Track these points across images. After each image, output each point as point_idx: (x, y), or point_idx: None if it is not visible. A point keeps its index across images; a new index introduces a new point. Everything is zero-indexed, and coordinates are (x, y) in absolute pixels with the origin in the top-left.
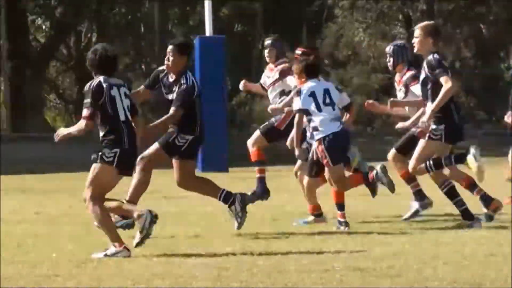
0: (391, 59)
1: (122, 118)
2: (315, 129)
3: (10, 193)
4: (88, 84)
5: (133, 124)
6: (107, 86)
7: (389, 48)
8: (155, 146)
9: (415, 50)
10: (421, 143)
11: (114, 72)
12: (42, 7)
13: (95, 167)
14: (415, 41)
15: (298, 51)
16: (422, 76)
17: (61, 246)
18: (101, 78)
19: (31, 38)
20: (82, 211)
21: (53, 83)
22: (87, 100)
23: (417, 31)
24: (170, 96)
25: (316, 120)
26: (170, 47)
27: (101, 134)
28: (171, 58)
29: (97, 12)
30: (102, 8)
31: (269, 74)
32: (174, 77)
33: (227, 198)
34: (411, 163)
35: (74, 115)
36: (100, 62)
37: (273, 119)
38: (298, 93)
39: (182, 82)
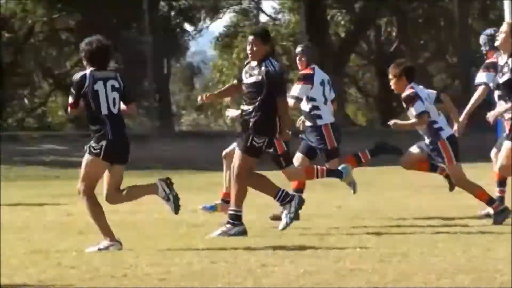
0: None
1: (104, 111)
2: (440, 129)
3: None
4: (74, 75)
5: (121, 116)
6: (91, 80)
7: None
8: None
9: (496, 44)
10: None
11: (105, 64)
12: (342, 2)
13: (85, 158)
14: (500, 36)
15: None
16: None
17: (363, 241)
18: (87, 71)
19: (331, 33)
20: (384, 206)
21: (353, 77)
22: (71, 91)
23: (504, 27)
24: (249, 80)
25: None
26: (251, 37)
27: (89, 125)
28: (254, 48)
29: (397, 6)
30: (402, 3)
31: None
32: (256, 63)
33: (285, 197)
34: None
35: (375, 109)
36: (91, 54)
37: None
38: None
39: (264, 67)
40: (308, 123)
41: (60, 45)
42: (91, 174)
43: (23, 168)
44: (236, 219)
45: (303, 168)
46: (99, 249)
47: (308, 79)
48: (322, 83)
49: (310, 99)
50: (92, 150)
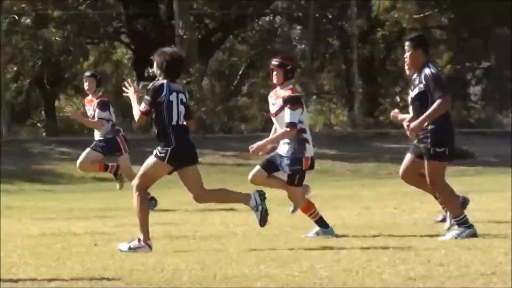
0: None
1: (174, 122)
2: None
3: None
4: (152, 83)
5: (186, 126)
6: (167, 91)
7: None
8: None
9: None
10: None
11: (178, 77)
12: None
13: (149, 160)
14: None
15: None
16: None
17: None
18: (165, 81)
19: None
20: None
21: None
22: (147, 98)
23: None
24: (413, 93)
25: None
26: (407, 43)
27: (155, 132)
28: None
29: None
30: None
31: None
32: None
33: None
34: None
35: None
36: (167, 67)
37: None
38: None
39: (423, 73)
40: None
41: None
42: (149, 173)
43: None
44: (465, 222)
45: None
46: (130, 248)
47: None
48: None
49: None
50: (158, 154)
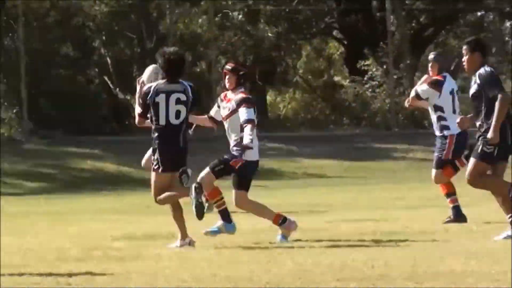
0: None
1: (162, 123)
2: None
3: None
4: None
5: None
6: (153, 92)
7: None
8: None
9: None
10: None
11: (176, 77)
12: None
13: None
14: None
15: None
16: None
17: None
18: (154, 84)
19: None
20: None
21: None
22: (139, 101)
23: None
24: (470, 93)
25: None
26: (464, 47)
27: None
28: (465, 58)
29: None
30: None
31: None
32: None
33: None
34: None
35: None
36: (164, 67)
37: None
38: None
39: (479, 73)
40: (437, 133)
41: None
42: (157, 185)
43: None
44: None
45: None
46: (176, 246)
47: (437, 85)
48: (452, 92)
49: (437, 108)
50: (154, 166)
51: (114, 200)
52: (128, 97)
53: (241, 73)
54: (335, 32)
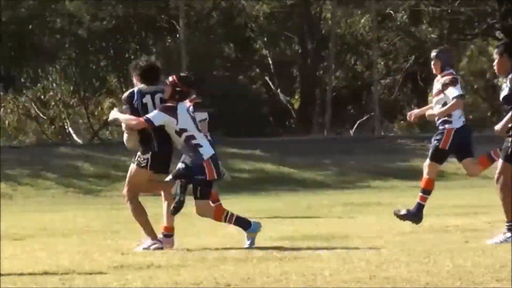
0: None
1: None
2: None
3: None
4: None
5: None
6: (138, 95)
7: None
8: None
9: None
10: None
11: (155, 80)
12: None
13: (131, 168)
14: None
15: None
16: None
17: None
18: (135, 88)
19: None
20: None
21: None
22: (125, 106)
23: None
24: (500, 96)
25: None
26: (494, 50)
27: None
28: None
29: None
30: None
31: (436, 85)
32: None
33: None
34: None
35: None
36: (141, 73)
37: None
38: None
39: (509, 76)
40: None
41: None
42: (136, 182)
43: None
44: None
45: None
46: (144, 249)
47: (456, 82)
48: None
49: (444, 104)
50: (140, 163)
51: (273, 201)
52: (288, 98)
53: (178, 89)
54: (497, 33)
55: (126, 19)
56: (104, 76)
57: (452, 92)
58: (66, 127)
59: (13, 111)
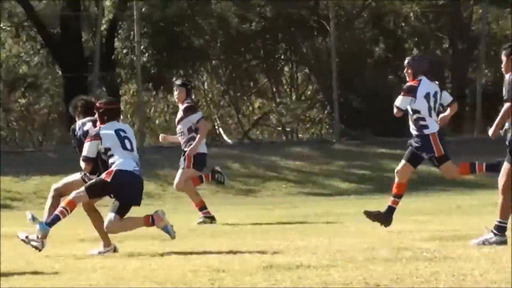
0: None
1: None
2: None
3: None
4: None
5: None
6: (80, 126)
7: None
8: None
9: None
10: None
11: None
12: None
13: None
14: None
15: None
16: None
17: None
18: (79, 121)
19: None
20: None
21: None
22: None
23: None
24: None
25: None
26: (502, 52)
27: None
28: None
29: None
30: None
31: None
32: None
33: None
34: None
35: None
36: (82, 109)
37: None
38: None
39: None
40: (415, 132)
41: None
42: (72, 184)
43: None
44: (500, 230)
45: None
46: (99, 253)
47: (410, 92)
48: (427, 95)
49: (414, 112)
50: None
51: (424, 200)
52: None
53: (100, 110)
54: None
55: (275, 19)
56: (255, 77)
57: None
58: (216, 127)
59: (163, 111)
